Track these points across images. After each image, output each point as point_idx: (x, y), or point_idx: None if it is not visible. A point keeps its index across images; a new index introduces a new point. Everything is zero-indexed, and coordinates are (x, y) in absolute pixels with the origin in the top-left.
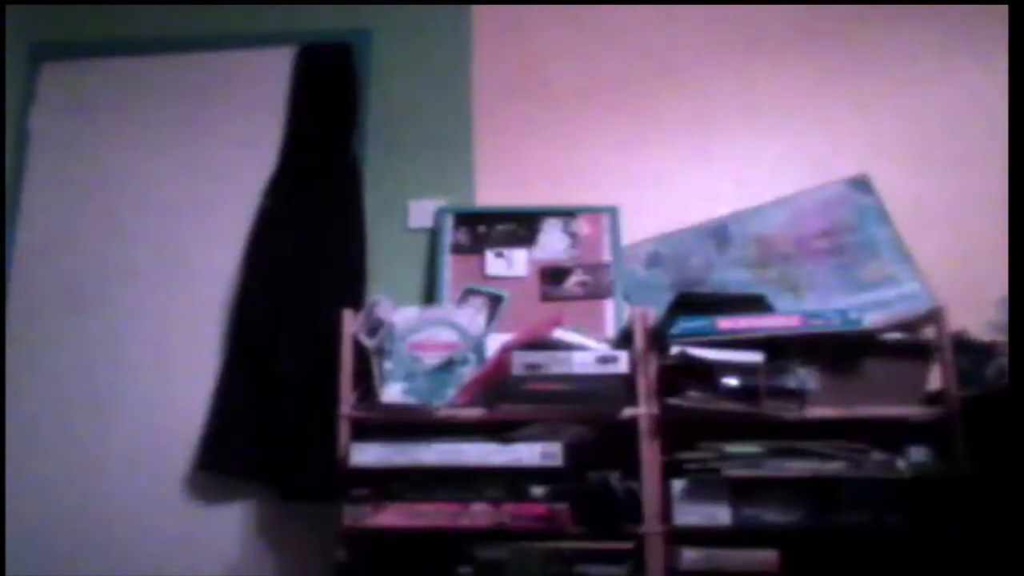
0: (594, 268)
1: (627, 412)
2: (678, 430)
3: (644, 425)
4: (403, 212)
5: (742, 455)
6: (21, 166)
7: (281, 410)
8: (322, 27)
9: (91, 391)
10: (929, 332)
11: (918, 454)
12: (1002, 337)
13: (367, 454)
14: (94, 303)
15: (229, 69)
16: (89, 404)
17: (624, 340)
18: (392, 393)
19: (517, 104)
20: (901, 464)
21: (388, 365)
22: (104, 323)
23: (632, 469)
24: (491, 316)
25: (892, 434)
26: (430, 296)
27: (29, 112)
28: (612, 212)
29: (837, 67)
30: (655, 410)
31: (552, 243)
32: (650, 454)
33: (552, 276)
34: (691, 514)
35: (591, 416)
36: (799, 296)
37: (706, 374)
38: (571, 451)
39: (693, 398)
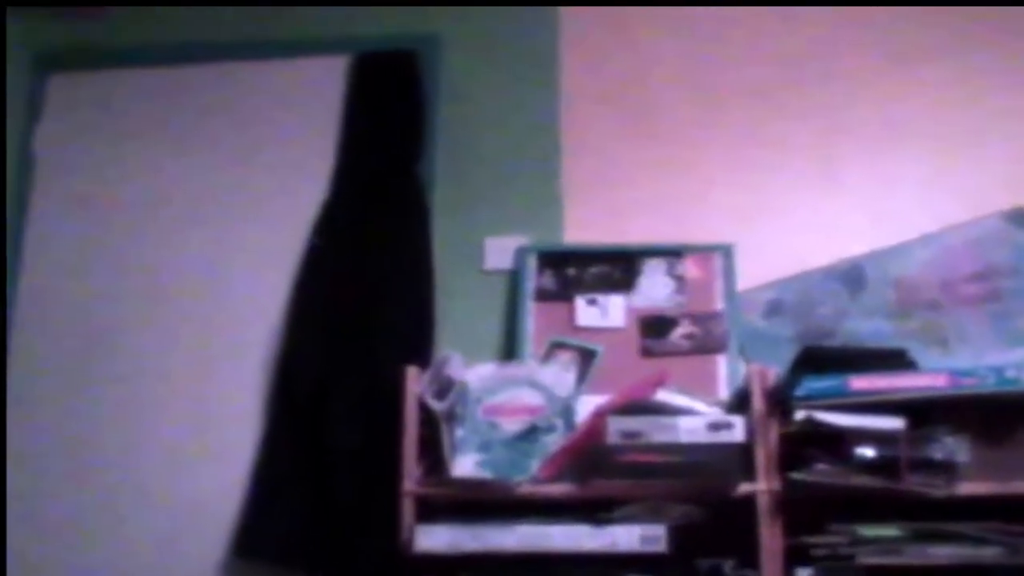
0: (704, 318)
1: (743, 488)
2: (804, 510)
3: (763, 503)
4: (478, 251)
5: (880, 539)
6: (24, 194)
7: (333, 485)
8: (383, 32)
9: (107, 461)
10: None
11: None
12: None
13: (435, 538)
14: (111, 358)
15: (272, 81)
16: (105, 477)
17: (739, 403)
18: (464, 466)
19: (613, 123)
20: None
21: (460, 432)
22: (123, 382)
23: (749, 555)
24: (582, 374)
25: None
26: (509, 351)
27: (34, 131)
28: (725, 251)
29: (992, 82)
30: (776, 486)
31: (654, 288)
32: (770, 538)
33: (654, 327)
34: None
35: (700, 493)
36: (947, 351)
37: (837, 443)
38: (676, 535)
39: (821, 472)
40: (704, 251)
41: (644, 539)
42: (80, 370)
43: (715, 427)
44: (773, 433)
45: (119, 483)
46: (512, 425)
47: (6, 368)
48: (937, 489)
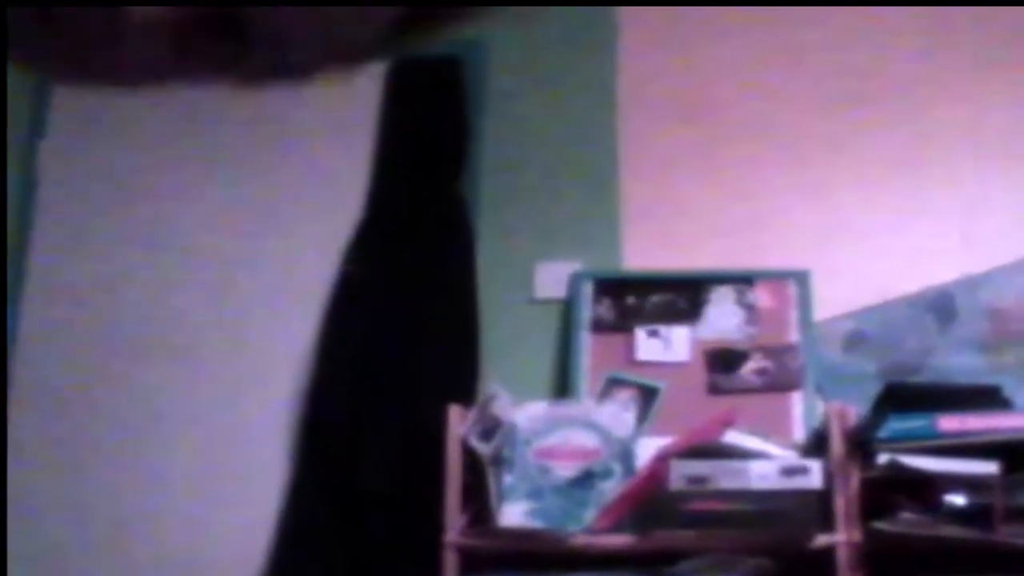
0: (777, 351)
1: (820, 539)
2: (887, 563)
3: (843, 556)
4: (528, 278)
5: None
6: (26, 220)
7: (367, 534)
8: (424, 37)
9: (122, 505)
10: None
11: None
12: None
13: None
14: (123, 392)
15: (301, 90)
16: (120, 521)
17: (816, 446)
18: (513, 514)
19: (676, 136)
20: None
21: (508, 478)
22: (138, 418)
23: None
24: (642, 414)
25: None
26: (563, 388)
27: (37, 149)
28: (801, 278)
29: None
30: (857, 537)
31: (722, 318)
32: None
33: (722, 361)
34: None
35: (773, 544)
36: None
37: (924, 490)
38: None
39: (907, 521)
40: (777, 278)
41: None
42: (90, 405)
43: (789, 472)
44: (854, 479)
45: (134, 534)
46: (565, 470)
47: (6, 394)
48: None
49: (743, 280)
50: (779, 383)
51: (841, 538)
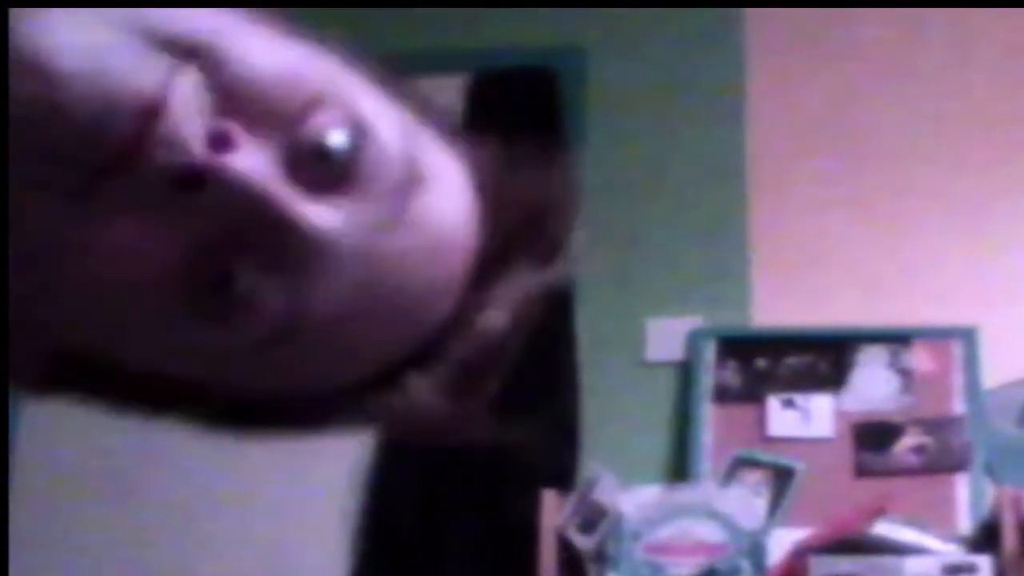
0: (938, 424)
1: None
2: None
3: None
4: (637, 336)
5: None
6: None
7: None
8: (512, 44)
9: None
10: None
11: None
12: None
13: None
14: (160, 493)
15: None
16: None
17: (987, 538)
18: None
19: (816, 168)
20: None
21: None
22: (158, 511)
23: None
24: (776, 501)
25: None
26: (679, 469)
27: None
28: (967, 336)
29: None
30: None
31: (873, 385)
32: None
33: (873, 437)
34: None
35: None
36: None
37: None
38: None
39: None
40: (938, 336)
41: None
42: (121, 506)
43: (954, 571)
44: None
45: None
46: (684, 568)
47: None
48: None
49: (897, 339)
50: (941, 463)
51: None
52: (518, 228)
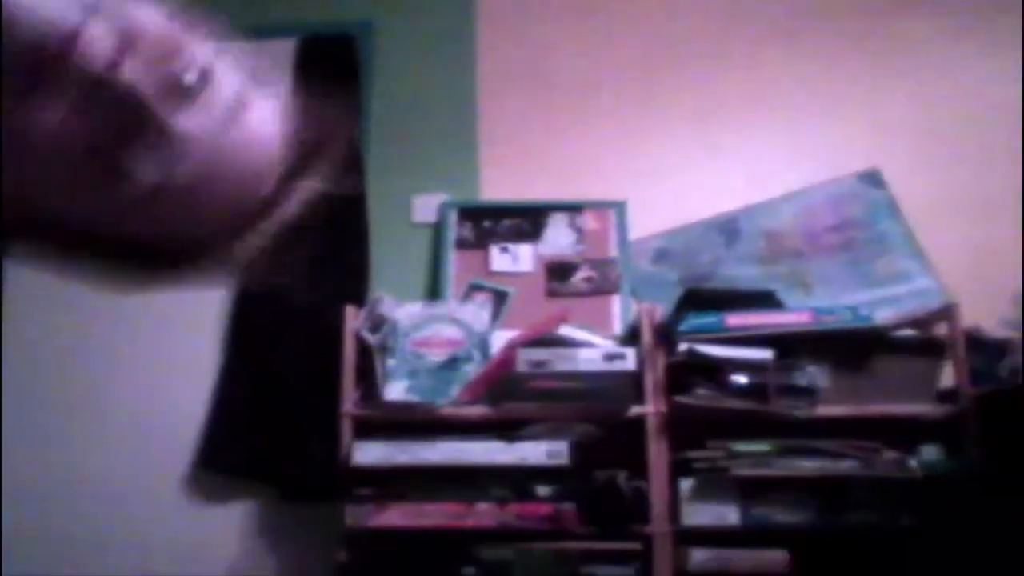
0: (601, 264)
1: (634, 410)
2: (686, 429)
3: (652, 423)
4: (407, 207)
5: (751, 454)
6: None
7: (282, 408)
8: (324, 18)
9: (87, 389)
10: (941, 329)
11: (930, 453)
12: (1016, 334)
13: (369, 453)
14: (89, 300)
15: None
16: (86, 403)
17: (631, 337)
18: (395, 391)
19: (523, 96)
20: (913, 463)
21: (391, 363)
22: (102, 320)
23: (639, 468)
24: (496, 312)
25: (904, 433)
26: (434, 292)
27: None
28: (619, 207)
29: (848, 58)
30: (663, 408)
31: (558, 238)
32: (658, 453)
33: (558, 272)
34: (699, 514)
35: (598, 414)
36: (809, 292)
37: (715, 372)
38: (577, 450)
39: (701, 396)
40: (601, 207)
41: (549, 454)
42: (66, 306)
43: (610, 358)
44: (660, 363)
45: (99, 407)
46: (436, 356)
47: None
48: (800, 411)
49: (574, 208)
50: (602, 289)
51: (650, 409)
52: (311, 148)
